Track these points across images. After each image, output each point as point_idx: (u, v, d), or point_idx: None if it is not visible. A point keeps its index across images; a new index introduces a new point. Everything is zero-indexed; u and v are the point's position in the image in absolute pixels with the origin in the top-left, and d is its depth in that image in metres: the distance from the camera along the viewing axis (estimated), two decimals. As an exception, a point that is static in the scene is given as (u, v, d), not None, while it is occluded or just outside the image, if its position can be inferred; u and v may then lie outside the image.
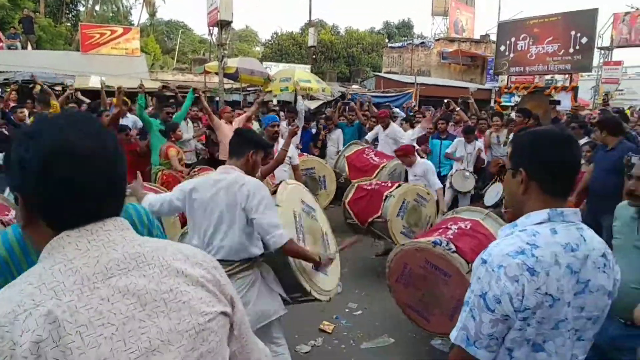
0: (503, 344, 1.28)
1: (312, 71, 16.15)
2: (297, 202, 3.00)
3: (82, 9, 30.60)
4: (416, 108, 12.11)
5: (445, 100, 8.53)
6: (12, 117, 7.18)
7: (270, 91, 11.33)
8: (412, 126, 8.10)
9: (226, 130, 6.36)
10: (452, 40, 23.86)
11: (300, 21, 77.77)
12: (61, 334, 0.72)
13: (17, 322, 0.71)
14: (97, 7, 30.14)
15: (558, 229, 1.31)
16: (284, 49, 28.41)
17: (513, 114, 8.45)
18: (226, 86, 12.48)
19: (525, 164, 1.37)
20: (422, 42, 24.22)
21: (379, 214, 5.03)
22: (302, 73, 12.12)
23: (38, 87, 9.45)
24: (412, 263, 3.47)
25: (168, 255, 0.89)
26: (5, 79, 11.03)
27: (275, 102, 10.94)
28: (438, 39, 24.19)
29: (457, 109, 8.27)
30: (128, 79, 12.14)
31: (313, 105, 12.41)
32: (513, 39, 14.82)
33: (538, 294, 1.23)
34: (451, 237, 3.49)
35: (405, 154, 5.57)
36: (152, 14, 34.75)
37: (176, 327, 0.83)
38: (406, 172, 6.31)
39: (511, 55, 14.90)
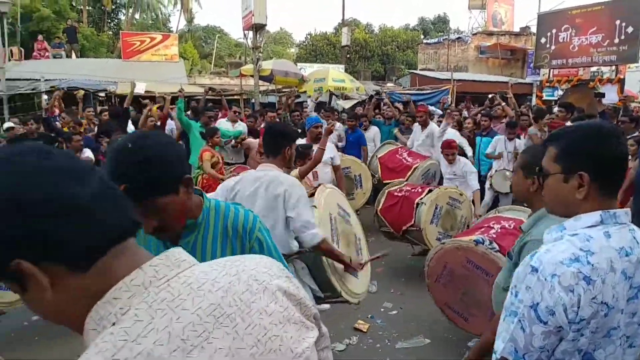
0: (553, 355, 1.23)
1: (346, 71, 16.17)
2: (334, 205, 3.06)
3: (122, 17, 31.88)
4: (452, 105, 11.90)
5: (490, 96, 8.29)
6: (55, 122, 7.60)
7: (305, 91, 11.45)
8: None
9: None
10: (490, 34, 23.27)
11: (334, 21, 77.87)
12: None
13: None
14: (136, 16, 31.29)
15: (611, 232, 1.23)
16: (317, 49, 28.55)
17: (556, 109, 8.13)
18: (262, 88, 12.70)
19: (587, 165, 1.25)
20: (459, 37, 23.72)
21: (412, 222, 4.97)
22: (336, 73, 12.19)
23: (81, 92, 9.96)
24: (452, 262, 3.42)
25: (244, 290, 0.74)
26: (51, 87, 11.65)
27: (309, 102, 11.02)
28: (475, 33, 23.64)
29: (503, 103, 8.00)
30: (168, 84, 12.58)
31: (347, 104, 12.43)
32: (554, 31, 14.31)
33: (594, 303, 1.16)
34: (494, 236, 3.40)
35: (451, 147, 5.47)
36: (190, 20, 35.76)
37: None
38: (441, 172, 6.21)
39: (552, 47, 14.40)
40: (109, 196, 0.69)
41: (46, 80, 11.56)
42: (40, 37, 17.33)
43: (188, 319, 0.66)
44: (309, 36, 30.77)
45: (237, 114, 7.73)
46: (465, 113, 9.06)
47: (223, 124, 7.27)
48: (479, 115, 8.01)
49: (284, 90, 14.69)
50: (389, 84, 17.65)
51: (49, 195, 0.63)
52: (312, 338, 0.80)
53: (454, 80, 13.86)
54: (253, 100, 11.61)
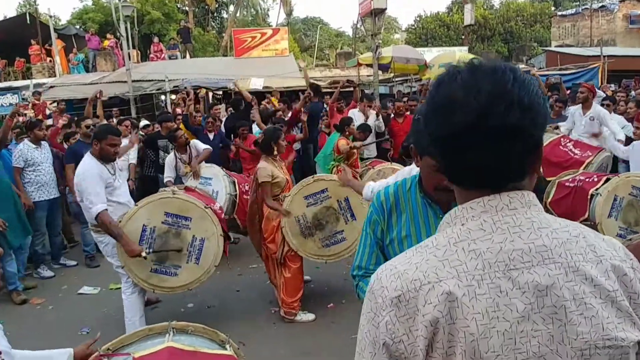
0: None
1: (469, 52, 15.71)
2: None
3: (224, 15, 34.26)
4: (607, 86, 10.99)
5: None
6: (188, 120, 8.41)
7: (429, 79, 11.35)
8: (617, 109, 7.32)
9: None
10: (642, -1, 21.07)
11: (444, 1, 75.62)
12: (457, 316, 0.79)
13: (420, 292, 0.82)
14: (237, 13, 33.42)
15: None
16: (429, 32, 28.03)
17: None
18: (372, 78, 12.79)
19: None
20: (603, 6, 21.71)
21: (585, 216, 4.70)
22: (464, 56, 11.90)
23: (203, 91, 10.95)
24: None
25: (576, 252, 0.84)
26: (175, 87, 12.95)
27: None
28: (623, 0, 21.54)
29: None
30: (281, 79, 13.29)
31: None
32: None
33: None
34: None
35: None
36: (289, 13, 37.26)
37: (570, 342, 0.80)
38: (614, 162, 5.80)
39: None
40: None
41: (169, 80, 12.84)
42: (156, 39, 19.29)
43: (519, 246, 0.83)
44: (418, 19, 30.31)
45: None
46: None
47: (355, 115, 7.50)
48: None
49: (395, 79, 14.68)
50: (520, 65, 16.78)
51: None
52: (633, 338, 0.82)
53: (604, 56, 12.80)
54: (372, 91, 11.78)
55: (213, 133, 7.43)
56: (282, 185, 4.39)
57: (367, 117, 7.53)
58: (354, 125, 6.45)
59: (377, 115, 7.62)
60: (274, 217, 4.33)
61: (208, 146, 6.21)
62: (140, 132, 8.71)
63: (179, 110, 9.79)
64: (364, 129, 6.80)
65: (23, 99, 13.40)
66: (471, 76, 0.86)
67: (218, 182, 5.74)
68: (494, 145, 0.83)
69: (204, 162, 5.99)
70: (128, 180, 6.81)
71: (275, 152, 4.43)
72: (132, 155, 6.97)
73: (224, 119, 9.27)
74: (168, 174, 5.94)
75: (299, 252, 4.29)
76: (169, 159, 6.03)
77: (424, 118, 0.92)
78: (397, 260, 0.90)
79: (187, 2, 29.42)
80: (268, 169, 4.26)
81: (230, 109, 9.38)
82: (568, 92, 8.76)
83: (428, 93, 0.94)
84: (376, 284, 0.87)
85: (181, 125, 7.32)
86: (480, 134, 0.83)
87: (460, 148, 0.86)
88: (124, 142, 5.65)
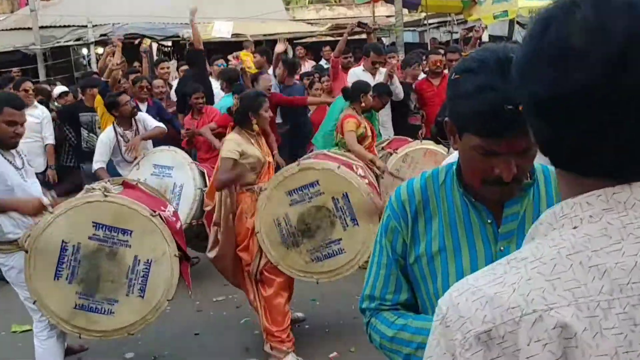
0: None
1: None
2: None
3: None
4: None
5: None
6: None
7: (479, 20, 11.43)
8: None
9: None
10: None
11: None
12: (576, 358, 0.80)
13: (522, 324, 0.82)
14: None
15: None
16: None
17: None
18: (394, 20, 12.80)
19: None
20: None
21: None
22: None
23: (147, 42, 11.06)
24: None
25: None
26: (101, 35, 12.93)
27: (487, 37, 11.05)
28: None
29: None
30: (261, 24, 13.30)
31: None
32: None
33: None
34: None
35: None
36: None
37: None
38: None
39: None
40: None
41: (94, 25, 12.88)
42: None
43: None
44: None
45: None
46: None
47: (359, 76, 7.52)
48: None
49: (427, 22, 14.64)
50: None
51: None
52: None
53: None
54: (394, 39, 11.88)
55: (146, 104, 7.34)
56: (258, 168, 4.53)
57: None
58: (370, 94, 6.24)
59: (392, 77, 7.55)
60: (249, 214, 4.46)
61: (161, 124, 6.29)
62: (55, 103, 8.86)
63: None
64: (381, 91, 6.76)
65: None
66: (597, 12, 0.85)
67: (183, 172, 5.84)
68: (629, 113, 0.83)
69: (159, 144, 6.18)
70: (46, 169, 6.95)
71: (255, 127, 4.55)
72: (48, 133, 7.07)
73: (175, 83, 9.37)
74: (100, 158, 5.82)
75: (279, 267, 4.42)
76: (106, 136, 5.94)
77: (520, 70, 0.93)
78: (481, 279, 0.90)
79: None
80: (236, 141, 4.39)
81: (185, 66, 9.48)
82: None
83: (528, 35, 0.93)
84: (451, 312, 0.88)
85: (98, 98, 7.02)
86: (609, 96, 0.83)
87: (577, 116, 0.86)
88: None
